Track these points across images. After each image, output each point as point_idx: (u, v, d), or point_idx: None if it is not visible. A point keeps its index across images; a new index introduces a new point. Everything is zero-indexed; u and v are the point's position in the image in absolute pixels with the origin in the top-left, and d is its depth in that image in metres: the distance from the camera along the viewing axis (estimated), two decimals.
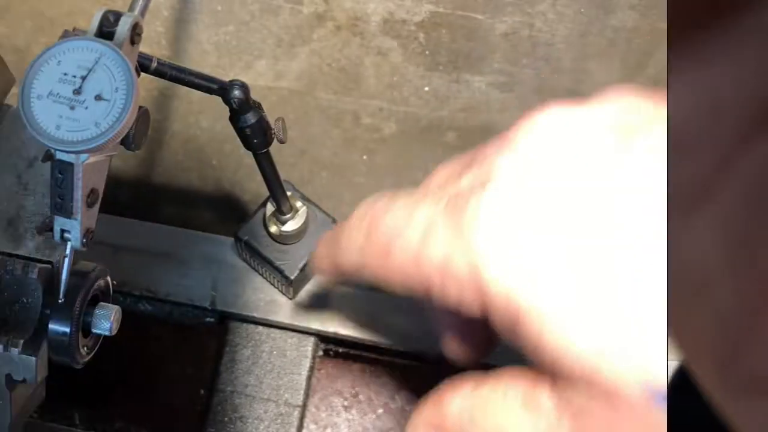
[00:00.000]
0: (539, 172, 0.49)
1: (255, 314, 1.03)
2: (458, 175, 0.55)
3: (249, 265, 1.04)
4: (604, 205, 0.46)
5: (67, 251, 0.61)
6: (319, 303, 1.04)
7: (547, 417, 0.49)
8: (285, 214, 0.97)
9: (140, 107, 0.56)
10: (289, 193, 0.96)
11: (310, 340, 1.03)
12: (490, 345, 0.64)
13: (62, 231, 0.59)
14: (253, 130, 0.77)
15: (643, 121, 0.48)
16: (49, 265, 0.63)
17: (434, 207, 0.51)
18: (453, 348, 0.65)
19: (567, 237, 0.46)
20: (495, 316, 0.48)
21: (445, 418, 0.57)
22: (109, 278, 0.68)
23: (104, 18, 0.57)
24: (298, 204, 0.98)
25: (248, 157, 0.82)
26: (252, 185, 1.22)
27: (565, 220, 0.47)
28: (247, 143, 0.78)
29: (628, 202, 0.45)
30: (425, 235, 0.51)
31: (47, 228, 0.63)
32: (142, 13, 0.66)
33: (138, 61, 0.62)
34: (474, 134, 1.14)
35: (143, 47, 0.61)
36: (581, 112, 0.51)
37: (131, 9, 0.66)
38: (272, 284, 1.03)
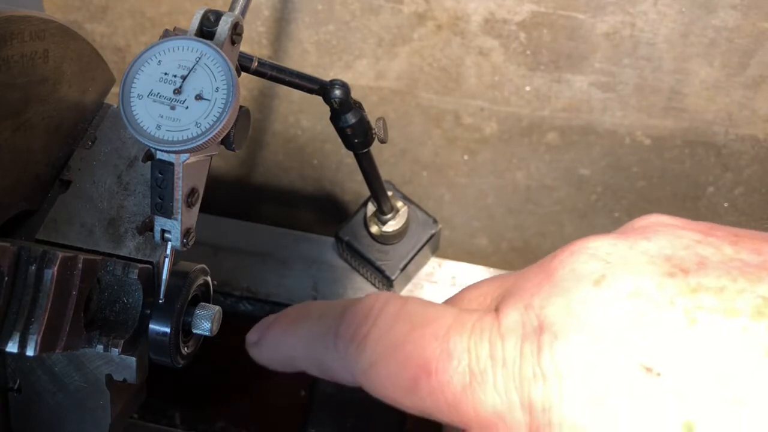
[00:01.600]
0: (592, 324, 0.46)
1: None
2: (494, 298, 0.54)
3: (350, 265, 1.04)
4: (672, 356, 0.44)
5: (168, 251, 0.61)
6: None
7: None
8: (386, 214, 0.96)
9: (241, 107, 0.55)
10: (390, 193, 0.96)
11: None
12: None
13: (162, 231, 0.59)
14: (354, 129, 0.76)
15: (693, 259, 0.46)
16: (149, 266, 0.63)
17: (476, 345, 0.49)
18: None
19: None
20: None
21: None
22: (209, 278, 0.68)
23: (204, 17, 0.57)
24: (399, 204, 0.98)
25: (349, 157, 0.82)
26: (353, 185, 1.21)
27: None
28: (348, 143, 0.78)
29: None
30: (472, 378, 0.48)
31: (147, 228, 0.63)
32: (243, 12, 0.66)
33: (238, 61, 0.62)
34: (575, 134, 1.12)
35: (244, 47, 0.61)
36: (626, 246, 0.48)
37: (231, 8, 0.66)
38: (373, 284, 1.03)
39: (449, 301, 0.60)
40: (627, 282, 0.45)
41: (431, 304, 0.53)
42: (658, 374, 0.43)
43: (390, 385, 0.51)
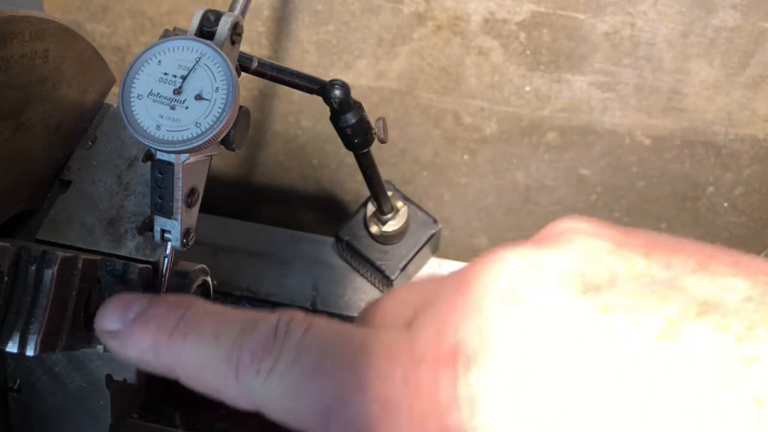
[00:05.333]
0: (505, 348, 0.43)
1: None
2: (412, 307, 0.50)
3: (350, 265, 1.04)
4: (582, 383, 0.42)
5: (168, 251, 0.61)
6: None
7: None
8: (386, 214, 0.96)
9: (241, 107, 0.55)
10: (390, 193, 0.96)
11: None
12: None
13: (162, 231, 0.59)
14: (354, 129, 0.76)
15: (604, 274, 0.44)
16: (149, 266, 0.63)
17: (389, 371, 0.45)
18: None
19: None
20: None
21: None
22: (209, 278, 0.68)
23: (204, 17, 0.57)
24: (399, 204, 0.98)
25: (349, 157, 0.82)
26: (353, 185, 1.21)
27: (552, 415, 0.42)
28: (348, 143, 0.78)
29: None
30: (385, 408, 0.45)
31: (147, 228, 0.63)
32: (243, 12, 0.66)
33: (238, 61, 0.62)
34: (575, 134, 1.12)
35: (244, 47, 0.61)
36: (540, 259, 0.45)
37: (231, 8, 0.66)
38: (373, 284, 1.03)
39: (366, 312, 0.57)
40: (538, 300, 0.43)
41: (337, 326, 0.50)
42: (566, 403, 0.41)
43: (299, 419, 0.48)
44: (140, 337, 0.53)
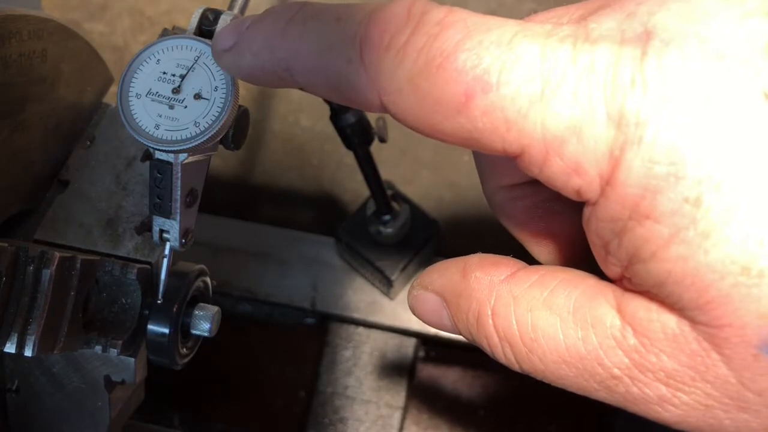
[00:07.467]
0: (716, 38, 0.39)
1: (356, 315, 1.02)
2: (580, 17, 0.44)
3: (349, 265, 1.03)
4: None
5: (166, 252, 0.60)
6: None
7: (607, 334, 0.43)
8: (386, 214, 0.96)
9: (240, 106, 0.55)
10: (390, 193, 0.95)
11: (411, 341, 1.02)
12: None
13: (161, 231, 0.59)
14: (354, 129, 0.76)
15: None
16: (147, 266, 0.63)
17: (554, 50, 0.40)
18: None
19: None
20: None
21: (464, 297, 0.50)
22: (208, 279, 0.68)
23: (203, 16, 0.57)
24: (399, 204, 0.97)
25: (349, 157, 0.81)
26: (353, 185, 1.21)
27: None
28: (348, 142, 0.78)
29: None
30: (545, 88, 0.40)
31: (146, 228, 0.62)
32: (242, 11, 0.65)
33: None
34: None
35: None
36: None
37: (230, 7, 0.65)
38: (373, 284, 1.02)
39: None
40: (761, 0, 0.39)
41: (485, 16, 0.44)
42: None
43: (431, 104, 0.42)
44: (254, 37, 0.47)
